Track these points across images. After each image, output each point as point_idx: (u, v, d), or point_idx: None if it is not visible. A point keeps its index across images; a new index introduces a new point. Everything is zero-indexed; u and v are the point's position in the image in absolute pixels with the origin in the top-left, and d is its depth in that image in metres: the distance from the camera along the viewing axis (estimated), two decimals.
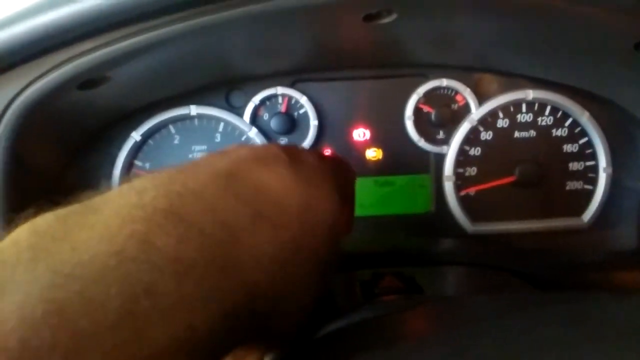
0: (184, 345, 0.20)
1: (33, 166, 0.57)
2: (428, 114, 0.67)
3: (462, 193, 0.68)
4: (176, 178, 0.26)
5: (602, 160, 0.67)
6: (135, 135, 0.65)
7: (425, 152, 0.67)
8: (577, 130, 0.67)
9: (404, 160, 0.68)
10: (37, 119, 0.52)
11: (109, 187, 0.65)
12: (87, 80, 0.52)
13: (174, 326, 0.20)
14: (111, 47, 0.48)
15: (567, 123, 0.67)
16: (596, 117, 0.66)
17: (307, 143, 0.66)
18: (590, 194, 0.68)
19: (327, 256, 0.32)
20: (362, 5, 0.48)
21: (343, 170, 0.42)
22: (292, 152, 0.35)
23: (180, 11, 0.47)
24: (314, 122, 0.66)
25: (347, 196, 0.39)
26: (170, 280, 0.20)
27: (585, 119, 0.66)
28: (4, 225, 0.52)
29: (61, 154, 0.62)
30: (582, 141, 0.67)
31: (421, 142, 0.67)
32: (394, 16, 0.50)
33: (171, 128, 0.66)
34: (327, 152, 0.68)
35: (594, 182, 0.68)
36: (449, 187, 0.67)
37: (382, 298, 0.43)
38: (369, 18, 0.51)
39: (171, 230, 0.22)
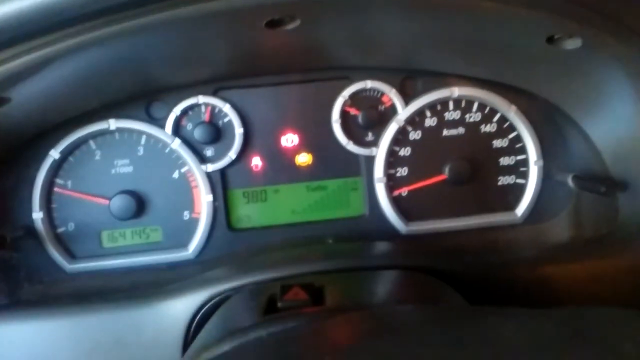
0: None
1: None
2: (355, 116, 0.66)
3: (395, 194, 0.67)
4: None
5: (533, 153, 0.67)
6: (54, 154, 0.62)
7: (355, 155, 0.66)
8: (505, 125, 0.67)
9: (334, 164, 0.67)
10: None
11: (29, 208, 0.63)
12: None
13: None
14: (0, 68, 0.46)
15: (495, 118, 0.67)
16: (523, 111, 0.66)
17: (233, 152, 0.65)
18: (522, 188, 0.68)
19: None
20: (260, 13, 0.46)
21: None
22: None
23: (70, 26, 0.45)
24: (239, 130, 0.64)
25: None
26: None
27: (512, 113, 0.66)
28: None
29: None
30: (511, 135, 0.67)
31: (350, 145, 0.66)
32: (297, 22, 0.49)
33: (91, 144, 0.64)
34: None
35: (525, 175, 0.68)
36: (380, 188, 0.66)
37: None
38: (272, 25, 0.49)
39: None
